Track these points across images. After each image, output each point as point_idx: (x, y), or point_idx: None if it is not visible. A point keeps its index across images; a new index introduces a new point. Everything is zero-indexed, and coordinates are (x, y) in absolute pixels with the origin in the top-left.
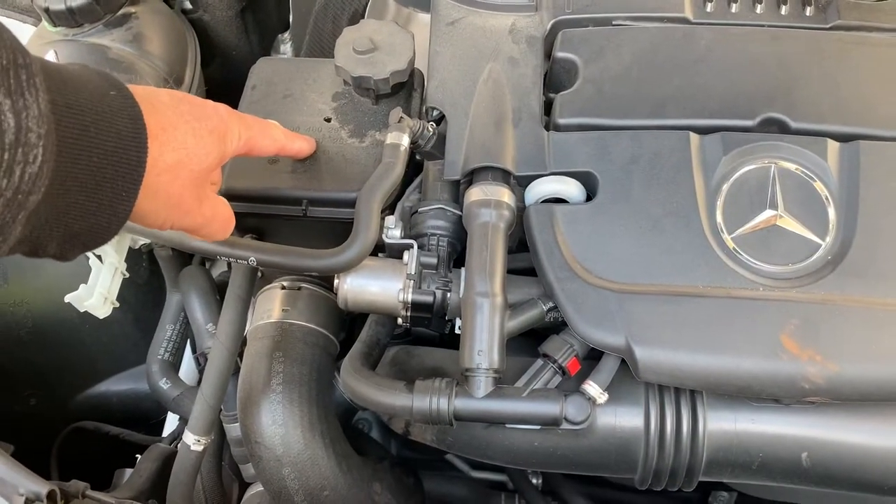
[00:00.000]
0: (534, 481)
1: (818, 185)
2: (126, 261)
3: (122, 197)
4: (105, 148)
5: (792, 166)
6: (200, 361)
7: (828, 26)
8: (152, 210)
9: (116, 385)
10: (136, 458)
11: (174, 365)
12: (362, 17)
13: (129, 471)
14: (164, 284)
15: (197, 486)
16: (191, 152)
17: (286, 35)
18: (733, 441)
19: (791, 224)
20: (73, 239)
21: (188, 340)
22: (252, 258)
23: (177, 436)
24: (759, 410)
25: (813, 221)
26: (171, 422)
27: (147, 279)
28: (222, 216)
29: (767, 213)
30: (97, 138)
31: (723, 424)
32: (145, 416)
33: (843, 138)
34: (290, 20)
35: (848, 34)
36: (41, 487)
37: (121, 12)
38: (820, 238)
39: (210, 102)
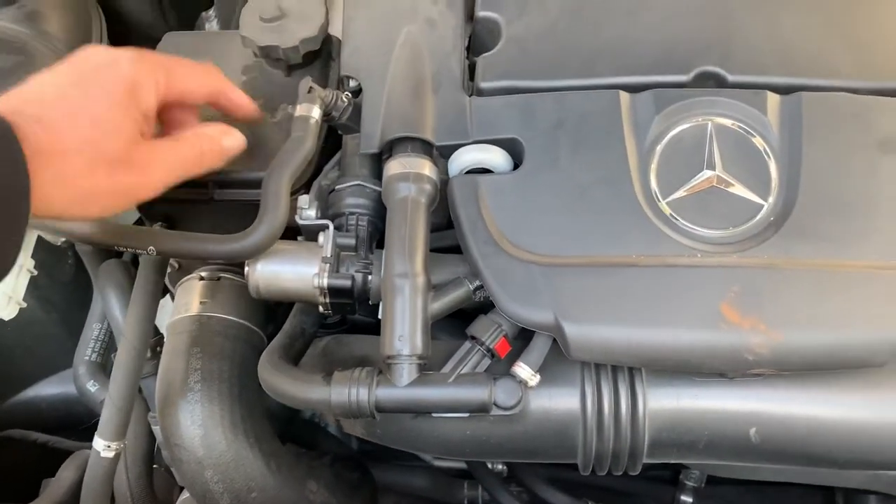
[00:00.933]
0: (499, 467)
1: (758, 141)
2: (49, 258)
3: (8, 237)
4: None
5: (729, 122)
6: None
7: None
8: (91, 211)
9: (45, 389)
10: None
11: (103, 366)
12: None
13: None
14: (91, 282)
15: (125, 493)
16: (98, 143)
17: (210, 12)
18: (676, 420)
19: (730, 185)
20: None
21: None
22: (151, 248)
23: None
24: (703, 386)
25: (753, 181)
26: None
27: (73, 277)
28: (191, 157)
29: (705, 174)
30: None
31: (664, 402)
32: (77, 420)
33: (784, 90)
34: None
35: None
36: None
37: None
38: (762, 198)
39: (108, 55)
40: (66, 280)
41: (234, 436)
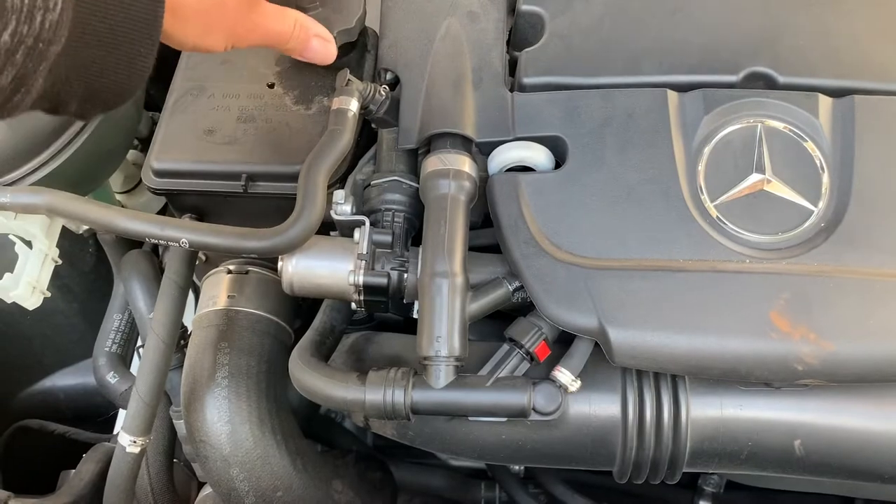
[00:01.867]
0: (515, 468)
1: (809, 146)
2: (71, 247)
3: (140, 53)
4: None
5: (780, 125)
6: (140, 354)
7: None
8: (201, 42)
9: (63, 380)
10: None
11: (123, 357)
12: None
13: (73, 472)
14: (111, 272)
15: (145, 487)
16: None
17: None
18: (719, 429)
19: (780, 189)
20: (93, 97)
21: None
22: (184, 240)
23: None
24: (748, 395)
25: (804, 186)
26: (122, 418)
27: (93, 266)
28: (284, 34)
29: (754, 178)
30: None
31: (708, 411)
32: (95, 412)
33: (836, 93)
34: None
35: None
36: None
37: None
38: (812, 204)
39: None
40: (86, 270)
41: (262, 433)
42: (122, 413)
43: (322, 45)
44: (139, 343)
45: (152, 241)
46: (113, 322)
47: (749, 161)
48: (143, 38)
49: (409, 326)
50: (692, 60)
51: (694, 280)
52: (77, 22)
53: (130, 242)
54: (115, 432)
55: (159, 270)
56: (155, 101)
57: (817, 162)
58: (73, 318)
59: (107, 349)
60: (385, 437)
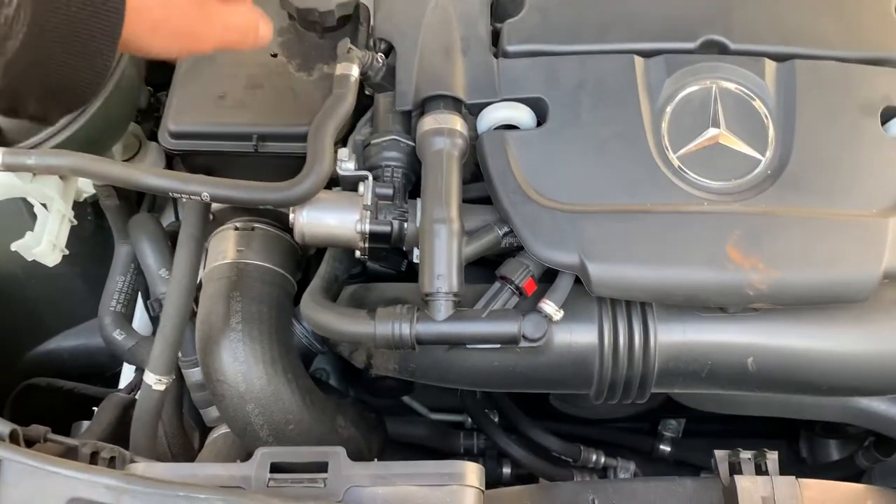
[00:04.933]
0: (493, 418)
1: (757, 104)
2: None
3: (101, 51)
4: None
5: (732, 86)
6: (155, 308)
7: None
8: (161, 43)
9: (67, 341)
10: (93, 410)
11: (127, 316)
12: None
13: (86, 423)
14: (110, 238)
15: (159, 432)
16: None
17: None
18: (683, 351)
19: (732, 141)
20: (53, 95)
21: (139, 292)
22: (205, 193)
23: (134, 386)
24: (707, 320)
25: (753, 138)
26: (126, 375)
27: (93, 232)
28: (235, 26)
29: (710, 132)
30: None
31: (673, 335)
32: (99, 370)
33: (780, 58)
34: None
35: None
36: (3, 428)
37: None
38: (760, 154)
39: None
40: (86, 236)
41: (274, 372)
42: (126, 369)
43: (267, 30)
44: (152, 298)
45: (174, 194)
46: (116, 283)
47: (706, 118)
48: (104, 35)
49: (399, 280)
50: (655, 29)
51: (660, 220)
52: (35, 18)
53: (131, 209)
54: (119, 387)
55: (164, 229)
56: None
57: (764, 118)
58: (75, 281)
59: (111, 308)
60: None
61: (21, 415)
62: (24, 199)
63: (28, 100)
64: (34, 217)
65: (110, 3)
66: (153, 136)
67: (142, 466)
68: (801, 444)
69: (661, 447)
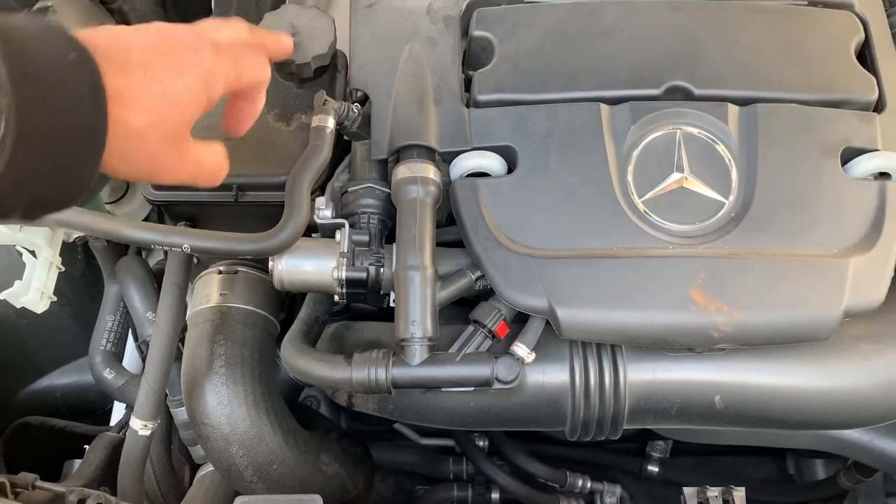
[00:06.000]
0: (480, 444)
1: (720, 148)
2: (61, 254)
3: (85, 165)
4: (64, 117)
5: (696, 131)
6: (143, 349)
7: None
8: (129, 170)
9: (59, 379)
10: (85, 448)
11: (117, 355)
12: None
13: (77, 462)
14: (100, 276)
15: (148, 470)
16: (161, 114)
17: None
18: (652, 389)
19: (696, 185)
20: (38, 204)
21: (129, 330)
22: (186, 245)
23: (124, 424)
24: (675, 360)
25: (716, 182)
26: (118, 412)
27: (83, 272)
28: (209, 168)
29: (675, 176)
30: (55, 107)
31: (642, 375)
32: (90, 407)
33: (742, 102)
34: (213, 4)
35: (744, 2)
36: None
37: (38, 5)
38: (723, 197)
39: (192, 41)
40: (76, 275)
41: (257, 414)
42: (117, 406)
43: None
44: (139, 340)
45: (156, 246)
46: (106, 322)
47: (670, 162)
48: (88, 152)
49: (381, 316)
50: (621, 77)
51: (626, 265)
52: (20, 140)
53: (120, 249)
54: (111, 424)
55: (151, 272)
56: None
57: (727, 161)
58: (66, 320)
59: (102, 347)
60: (357, 421)
61: (14, 454)
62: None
63: (15, 209)
64: (19, 264)
65: (93, 120)
66: None
67: None
68: (789, 462)
69: (650, 468)
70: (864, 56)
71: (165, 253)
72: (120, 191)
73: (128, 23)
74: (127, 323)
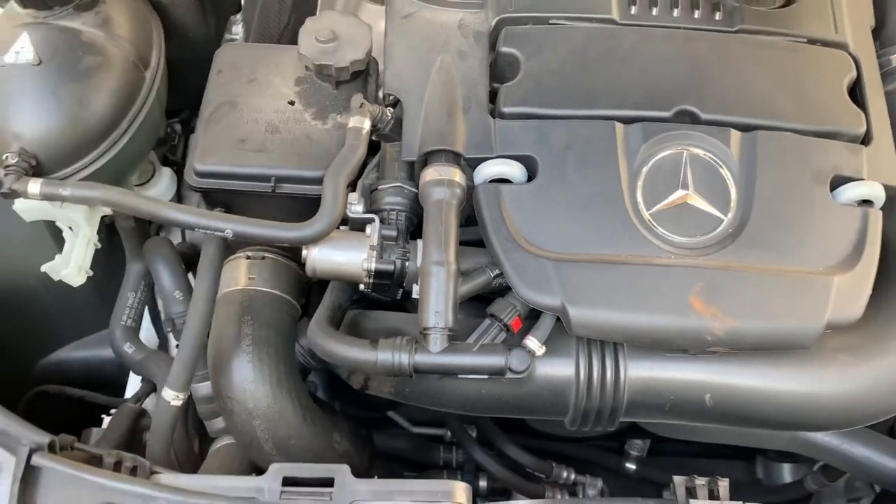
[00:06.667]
0: (472, 433)
1: (723, 169)
2: None
3: None
4: None
5: (701, 152)
6: (169, 325)
7: (734, 29)
8: None
9: (77, 352)
10: (100, 418)
11: (136, 330)
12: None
13: (96, 430)
14: (118, 254)
15: None
16: None
17: (238, 16)
18: (649, 386)
19: (699, 202)
20: None
21: (146, 308)
22: (229, 230)
23: (140, 396)
24: (671, 360)
25: (717, 200)
26: (132, 385)
27: (105, 248)
28: None
29: (679, 193)
30: None
31: (640, 372)
32: (105, 380)
33: (745, 128)
34: (242, 2)
35: (751, 37)
36: (42, 438)
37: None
38: (723, 214)
39: None
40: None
41: (280, 392)
42: (132, 380)
43: None
44: (165, 317)
45: (197, 229)
46: (127, 299)
47: (676, 180)
48: None
49: (393, 307)
50: (636, 99)
51: (633, 271)
52: None
53: (144, 231)
54: (126, 397)
55: (178, 253)
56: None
57: (728, 182)
58: (88, 295)
59: (122, 323)
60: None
61: (32, 420)
62: (46, 221)
63: None
64: (56, 237)
65: None
66: (165, 162)
67: (166, 477)
68: (757, 466)
69: (627, 465)
70: (855, 92)
71: (183, 237)
72: (147, 174)
73: (169, 15)
74: (145, 301)
